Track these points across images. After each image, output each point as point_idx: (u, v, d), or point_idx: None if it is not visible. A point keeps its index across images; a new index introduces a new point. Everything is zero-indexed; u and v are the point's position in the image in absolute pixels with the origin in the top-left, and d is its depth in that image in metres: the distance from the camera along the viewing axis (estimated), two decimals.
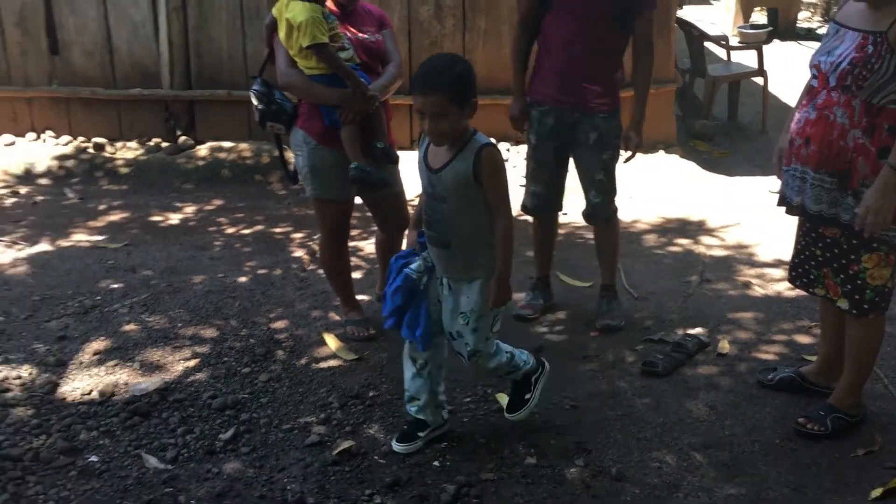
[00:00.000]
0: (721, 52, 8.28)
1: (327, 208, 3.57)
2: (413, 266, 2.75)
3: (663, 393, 3.22)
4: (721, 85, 7.50)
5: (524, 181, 3.94)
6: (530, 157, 3.79)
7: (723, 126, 7.49)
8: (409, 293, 2.75)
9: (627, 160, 3.81)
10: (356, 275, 4.36)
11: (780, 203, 2.93)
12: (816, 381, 3.12)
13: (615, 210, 3.83)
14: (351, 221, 3.76)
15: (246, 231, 5.16)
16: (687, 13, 14.63)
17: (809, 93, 2.75)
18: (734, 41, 10.22)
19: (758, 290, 4.20)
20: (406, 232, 3.56)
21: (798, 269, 2.94)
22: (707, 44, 7.62)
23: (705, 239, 4.99)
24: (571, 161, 3.77)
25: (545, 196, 3.80)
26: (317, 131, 3.41)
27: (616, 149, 3.69)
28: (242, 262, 4.61)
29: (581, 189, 3.80)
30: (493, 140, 2.75)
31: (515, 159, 6.23)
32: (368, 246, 4.73)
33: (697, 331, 3.72)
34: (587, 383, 3.31)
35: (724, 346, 3.59)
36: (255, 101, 3.48)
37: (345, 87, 3.30)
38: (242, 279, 4.35)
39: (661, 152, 6.38)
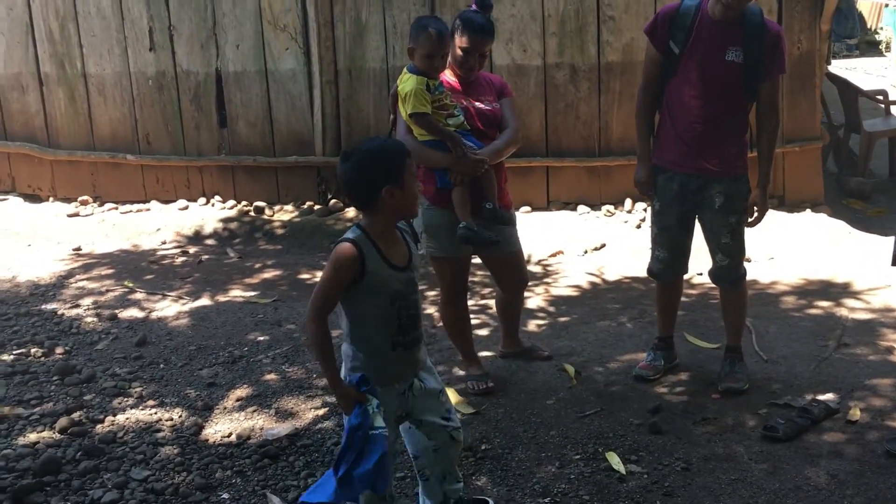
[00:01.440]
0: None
1: (444, 266, 3.78)
2: (379, 426, 2.40)
3: (782, 459, 3.13)
4: (879, 140, 7.17)
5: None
6: (654, 223, 3.82)
7: (881, 183, 7.14)
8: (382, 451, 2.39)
9: (752, 224, 3.75)
10: (482, 332, 4.53)
11: (893, 262, 2.83)
12: None
13: (743, 273, 3.78)
14: (471, 279, 3.93)
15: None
16: (858, 64, 14.09)
17: None
18: None
19: None
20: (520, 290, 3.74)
21: None
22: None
23: (849, 301, 4.77)
24: (697, 223, 3.77)
25: (669, 261, 3.81)
26: (430, 193, 3.64)
27: (743, 212, 3.66)
28: None
29: (708, 251, 3.79)
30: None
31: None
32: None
33: (828, 396, 3.58)
34: (702, 446, 3.26)
35: (855, 413, 3.43)
36: None
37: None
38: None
39: (808, 211, 6.15)
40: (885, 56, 14.66)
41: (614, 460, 3.11)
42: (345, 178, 2.49)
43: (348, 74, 6.64)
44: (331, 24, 6.54)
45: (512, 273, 3.87)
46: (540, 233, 6.07)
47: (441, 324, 4.66)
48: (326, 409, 3.70)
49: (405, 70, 3.52)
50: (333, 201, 6.79)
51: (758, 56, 3.48)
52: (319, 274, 5.75)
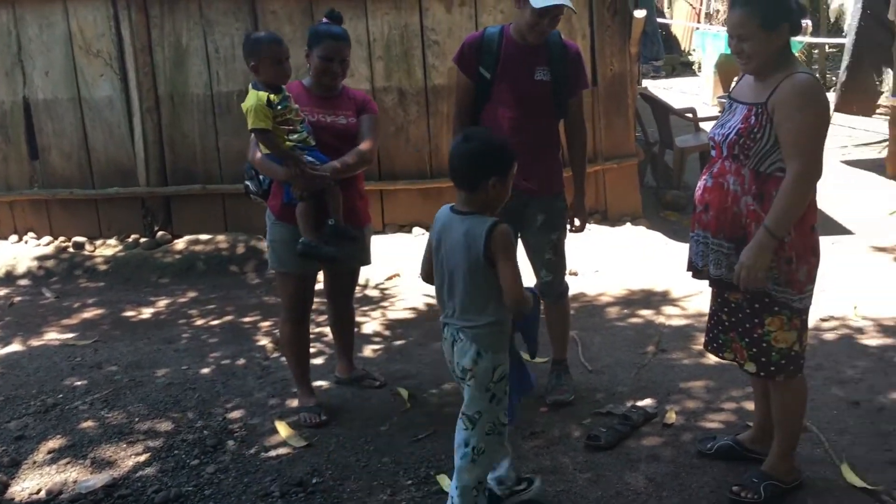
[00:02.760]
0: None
1: (286, 282, 3.75)
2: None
3: (605, 466, 3.23)
4: (690, 155, 7.66)
5: None
6: None
7: (691, 195, 7.60)
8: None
9: (576, 231, 3.90)
10: (317, 360, 4.44)
11: (688, 268, 3.01)
12: (753, 447, 3.13)
13: (566, 287, 3.90)
14: (313, 301, 3.89)
15: (215, 322, 5.25)
16: (676, 84, 15.04)
17: (709, 162, 2.87)
18: (714, 111, 10.50)
19: (712, 359, 4.21)
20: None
21: (710, 334, 3.01)
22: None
23: (667, 309, 5.04)
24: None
25: None
26: (277, 208, 3.63)
27: (563, 228, 3.80)
28: (207, 353, 4.68)
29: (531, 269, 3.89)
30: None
31: None
32: (325, 329, 4.81)
33: (646, 402, 3.75)
34: (531, 460, 3.32)
35: (671, 416, 3.61)
36: (246, 180, 3.77)
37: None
38: (205, 370, 4.42)
39: (629, 224, 6.49)
40: (697, 76, 15.74)
41: (445, 482, 3.11)
42: (461, 159, 2.66)
43: (170, 101, 6.40)
44: (149, 49, 6.29)
45: (345, 282, 4.01)
46: (376, 256, 6.02)
47: (275, 355, 4.56)
48: (149, 454, 3.50)
49: (250, 86, 3.47)
50: (161, 233, 6.51)
51: (563, 73, 3.66)
52: (145, 310, 5.52)
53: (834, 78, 15.29)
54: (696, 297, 5.16)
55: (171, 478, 3.32)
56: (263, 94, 3.40)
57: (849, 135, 10.12)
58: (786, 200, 2.62)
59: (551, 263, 3.80)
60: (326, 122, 3.63)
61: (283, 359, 4.27)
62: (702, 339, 4.44)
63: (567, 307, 3.97)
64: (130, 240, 6.51)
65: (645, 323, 4.84)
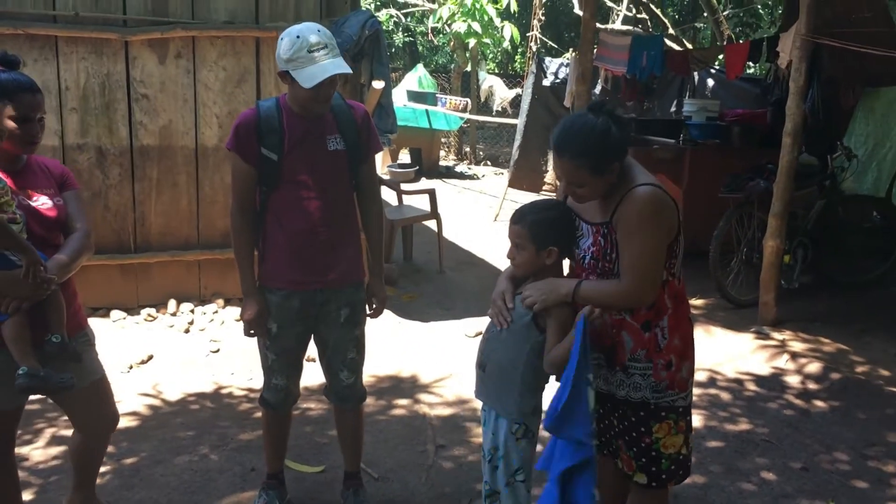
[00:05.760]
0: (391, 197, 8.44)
1: None
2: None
3: None
4: (397, 229, 7.58)
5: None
6: (268, 349, 3.23)
7: (402, 269, 7.53)
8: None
9: (374, 316, 3.42)
10: (27, 495, 3.42)
11: None
12: None
13: (365, 390, 3.43)
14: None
15: None
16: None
17: (574, 274, 2.67)
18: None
19: None
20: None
21: (602, 438, 2.74)
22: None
23: (424, 397, 4.77)
24: None
25: (288, 388, 3.29)
26: None
27: (365, 321, 3.33)
28: None
29: (325, 371, 3.36)
30: None
31: (211, 327, 5.60)
32: (36, 454, 3.76)
33: None
34: None
35: None
36: None
37: (8, 267, 2.56)
38: None
39: None
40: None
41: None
42: (536, 226, 2.60)
43: None
44: None
45: (96, 409, 2.98)
46: None
47: None
48: None
49: None
50: None
51: (354, 139, 3.20)
52: None
53: (481, 151, 16.70)
54: (449, 381, 4.99)
55: None
56: None
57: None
58: (603, 298, 2.49)
59: (354, 363, 3.32)
60: (31, 207, 2.74)
61: None
62: (475, 429, 4.31)
63: (363, 412, 3.50)
64: None
65: (409, 415, 4.51)
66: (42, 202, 2.77)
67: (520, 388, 2.63)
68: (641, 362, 2.54)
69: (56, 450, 3.90)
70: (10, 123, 2.64)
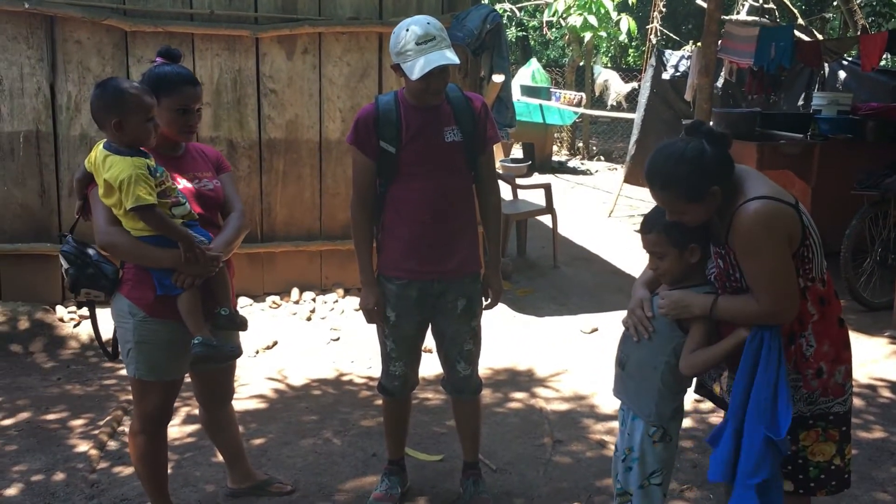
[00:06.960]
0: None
1: (151, 391, 2.91)
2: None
3: None
4: (512, 223, 7.58)
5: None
6: (387, 336, 3.30)
7: (516, 263, 7.53)
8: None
9: (489, 307, 3.43)
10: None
11: (696, 390, 2.72)
12: None
13: (481, 381, 3.46)
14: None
15: (7, 421, 4.15)
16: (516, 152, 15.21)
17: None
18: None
19: (612, 449, 3.98)
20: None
21: None
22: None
23: (540, 391, 4.76)
24: None
25: (407, 376, 3.35)
26: (147, 301, 2.80)
27: (481, 313, 3.36)
28: (7, 466, 3.64)
29: (442, 362, 3.39)
30: None
31: (332, 316, 5.77)
32: (172, 430, 3.97)
33: None
34: None
35: None
36: (65, 264, 2.84)
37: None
38: (12, 491, 3.41)
39: None
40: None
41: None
42: (670, 229, 2.52)
43: None
44: None
45: (222, 388, 3.25)
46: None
47: (102, 465, 3.64)
48: None
49: (101, 149, 2.66)
50: None
51: (472, 130, 3.20)
52: None
53: (594, 146, 16.47)
54: (565, 376, 4.96)
55: None
56: (141, 160, 2.65)
57: (637, 206, 10.68)
58: (744, 320, 2.38)
59: (471, 354, 3.34)
60: (193, 189, 2.93)
61: (123, 472, 3.42)
62: (593, 426, 4.26)
63: (480, 403, 3.53)
64: None
65: (525, 408, 4.51)
66: (203, 184, 2.96)
67: (659, 389, 2.57)
68: (791, 374, 2.44)
69: (191, 427, 4.10)
70: (170, 115, 2.82)
